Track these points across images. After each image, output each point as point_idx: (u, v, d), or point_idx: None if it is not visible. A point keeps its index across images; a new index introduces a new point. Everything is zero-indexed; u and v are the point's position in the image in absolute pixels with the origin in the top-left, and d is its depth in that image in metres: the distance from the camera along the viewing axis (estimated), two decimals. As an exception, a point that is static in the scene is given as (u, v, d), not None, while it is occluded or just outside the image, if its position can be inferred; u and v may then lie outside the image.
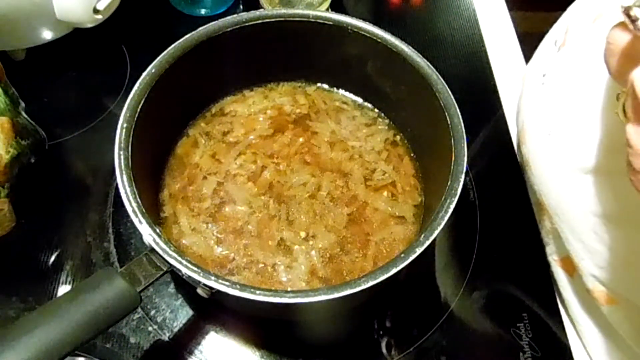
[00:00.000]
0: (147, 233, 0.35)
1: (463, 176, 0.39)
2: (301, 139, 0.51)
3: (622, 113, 0.27)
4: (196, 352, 0.44)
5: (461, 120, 0.41)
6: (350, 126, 0.52)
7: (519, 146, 0.54)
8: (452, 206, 0.37)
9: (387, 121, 0.53)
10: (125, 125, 0.40)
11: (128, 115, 0.40)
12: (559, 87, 0.45)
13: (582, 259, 0.42)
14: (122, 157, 0.38)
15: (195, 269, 0.34)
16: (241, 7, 0.68)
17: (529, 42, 0.67)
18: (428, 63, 0.44)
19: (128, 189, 0.37)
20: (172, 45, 0.44)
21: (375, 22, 0.46)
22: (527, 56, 0.65)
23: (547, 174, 0.45)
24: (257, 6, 0.62)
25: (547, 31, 0.56)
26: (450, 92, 0.43)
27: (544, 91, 0.48)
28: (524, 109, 0.53)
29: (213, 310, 0.46)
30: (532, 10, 0.95)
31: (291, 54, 0.51)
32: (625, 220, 0.37)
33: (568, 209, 0.42)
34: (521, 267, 0.50)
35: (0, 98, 0.47)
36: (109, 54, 0.62)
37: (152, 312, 0.46)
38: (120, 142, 0.39)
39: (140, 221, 0.36)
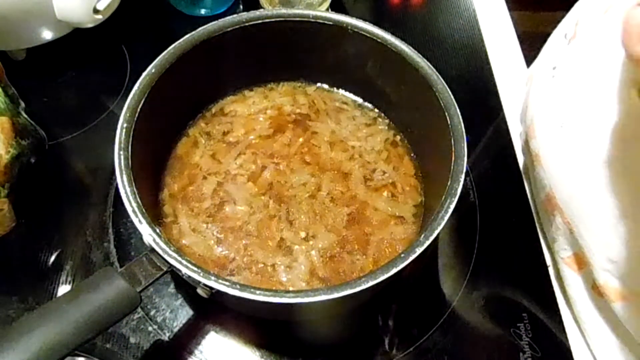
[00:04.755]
0: (147, 233, 0.35)
1: (463, 176, 0.39)
2: (301, 139, 0.51)
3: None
4: (196, 352, 0.44)
5: (461, 120, 0.41)
6: (350, 126, 0.52)
7: (526, 142, 0.54)
8: (452, 206, 0.37)
9: (387, 121, 0.53)
10: (125, 125, 0.40)
11: (128, 115, 0.40)
12: (570, 79, 0.45)
13: (594, 253, 0.42)
14: (122, 157, 0.38)
15: (195, 269, 0.34)
16: (241, 7, 0.68)
17: (529, 42, 0.67)
18: (428, 63, 0.44)
19: (128, 189, 0.37)
20: (172, 45, 0.44)
21: (375, 22, 0.46)
22: (527, 56, 0.65)
23: (559, 167, 0.45)
24: (257, 6, 0.62)
25: (547, 31, 0.56)
26: (450, 92, 0.43)
27: (554, 84, 0.48)
28: (534, 103, 0.53)
29: (213, 310, 0.46)
30: (532, 10, 0.95)
31: (291, 54, 0.51)
32: None
33: (581, 202, 0.42)
34: (521, 267, 0.50)
35: (0, 98, 0.47)
36: (109, 54, 0.62)
37: (152, 312, 0.46)
38: (120, 142, 0.39)
39: (140, 221, 0.36)
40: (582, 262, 0.45)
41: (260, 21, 0.47)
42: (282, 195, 0.47)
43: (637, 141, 0.37)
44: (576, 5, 0.52)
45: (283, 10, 0.47)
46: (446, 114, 0.42)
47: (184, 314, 0.46)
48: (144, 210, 0.37)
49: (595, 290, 0.44)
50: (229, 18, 0.46)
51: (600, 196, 0.40)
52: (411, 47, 0.45)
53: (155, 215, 0.45)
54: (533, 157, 0.51)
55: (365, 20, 0.47)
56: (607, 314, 0.44)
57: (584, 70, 0.43)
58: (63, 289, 0.46)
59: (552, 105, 0.47)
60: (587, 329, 0.46)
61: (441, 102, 0.42)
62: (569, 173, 0.43)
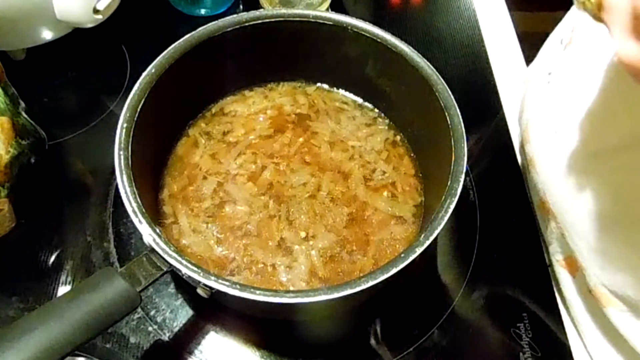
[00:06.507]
0: (147, 233, 0.35)
1: (463, 176, 0.39)
2: (301, 139, 0.51)
3: None
4: (196, 352, 0.44)
5: (461, 120, 0.41)
6: (350, 126, 0.52)
7: (522, 145, 0.54)
8: (452, 206, 0.37)
9: (387, 121, 0.53)
10: (125, 125, 0.40)
11: (128, 115, 0.40)
12: (565, 85, 0.45)
13: (586, 258, 0.42)
14: (122, 157, 0.38)
15: (195, 269, 0.34)
16: (241, 7, 0.68)
17: (529, 42, 0.67)
18: (428, 63, 0.44)
19: (128, 189, 0.37)
20: (172, 45, 0.44)
21: (375, 22, 0.46)
22: (527, 56, 0.65)
23: (552, 173, 0.45)
24: (257, 6, 0.62)
25: (547, 31, 0.56)
26: (450, 92, 0.43)
27: (549, 89, 0.48)
28: (529, 107, 0.53)
29: (213, 310, 0.46)
30: (532, 10, 0.95)
31: (291, 54, 0.51)
32: (630, 220, 0.37)
33: (573, 208, 0.42)
34: (521, 267, 0.50)
35: (0, 98, 0.47)
36: (109, 54, 0.62)
37: (152, 312, 0.46)
38: (120, 142, 0.39)
39: (140, 221, 0.36)
40: (575, 266, 0.45)
41: (260, 21, 0.47)
42: (282, 195, 0.47)
43: (630, 151, 0.37)
44: (571, 10, 0.52)
45: (283, 10, 0.47)
46: (446, 114, 0.42)
47: (184, 314, 0.46)
48: (144, 210, 0.37)
49: (589, 293, 0.44)
50: (229, 18, 0.46)
51: (592, 203, 0.40)
52: (411, 47, 0.45)
53: (155, 215, 0.45)
54: (528, 161, 0.51)
55: (365, 20, 0.47)
56: (601, 316, 0.44)
57: (580, 76, 0.43)
58: (63, 289, 0.46)
59: (547, 110, 0.47)
60: (582, 330, 0.47)
61: (441, 102, 0.42)
62: (562, 179, 0.43)
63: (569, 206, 0.43)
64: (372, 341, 0.45)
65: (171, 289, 0.47)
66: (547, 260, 0.51)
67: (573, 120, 0.42)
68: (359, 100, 0.54)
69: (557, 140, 0.44)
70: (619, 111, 0.38)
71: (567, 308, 0.48)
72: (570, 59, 0.46)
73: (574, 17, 0.50)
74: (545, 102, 0.48)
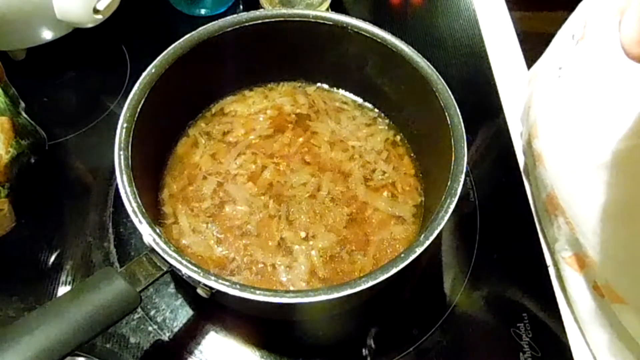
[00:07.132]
0: (147, 233, 0.35)
1: (463, 176, 0.39)
2: (301, 139, 0.51)
3: None
4: (196, 352, 0.44)
5: (461, 120, 0.41)
6: (350, 126, 0.52)
7: (528, 142, 0.54)
8: (452, 206, 0.37)
9: (387, 121, 0.53)
10: (125, 125, 0.40)
11: (128, 115, 0.40)
12: (577, 80, 0.45)
13: (595, 253, 0.42)
14: (122, 157, 0.38)
15: (195, 269, 0.34)
16: (241, 7, 0.68)
17: (529, 42, 0.67)
18: (428, 63, 0.44)
19: (128, 189, 0.37)
20: (172, 45, 0.44)
21: (375, 22, 0.46)
22: (527, 56, 0.65)
23: (562, 167, 0.45)
24: (257, 6, 0.62)
25: (547, 31, 0.56)
26: (450, 92, 0.43)
27: (560, 84, 0.48)
28: (537, 103, 0.52)
29: (213, 310, 0.46)
30: (532, 10, 0.96)
31: (291, 54, 0.51)
32: None
33: (584, 202, 0.42)
34: (521, 267, 0.50)
35: (0, 98, 0.47)
36: (109, 54, 0.62)
37: (152, 312, 0.46)
38: (120, 142, 0.39)
39: (140, 221, 0.36)
40: (583, 262, 0.45)
41: (260, 21, 0.47)
42: (282, 195, 0.47)
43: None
44: (581, 5, 0.52)
45: (283, 10, 0.47)
46: (446, 114, 0.42)
47: (184, 314, 0.46)
48: (144, 210, 0.37)
49: (596, 290, 0.44)
50: (229, 18, 0.46)
51: (603, 197, 0.40)
52: (411, 47, 0.45)
53: (155, 215, 0.45)
54: (535, 157, 0.51)
55: (365, 20, 0.47)
56: (607, 314, 0.44)
57: (592, 71, 0.43)
58: (63, 289, 0.46)
59: (556, 105, 0.47)
60: (587, 329, 0.46)
61: (441, 102, 0.42)
62: (572, 173, 0.43)
63: (580, 201, 0.43)
64: (372, 341, 0.45)
65: (171, 289, 0.47)
66: (547, 260, 0.51)
67: (585, 114, 0.42)
68: (359, 100, 0.54)
69: (567, 134, 0.44)
70: (632, 105, 0.38)
71: (570, 307, 0.48)
72: (582, 54, 0.46)
73: (586, 12, 0.50)
74: (556, 97, 0.48)
